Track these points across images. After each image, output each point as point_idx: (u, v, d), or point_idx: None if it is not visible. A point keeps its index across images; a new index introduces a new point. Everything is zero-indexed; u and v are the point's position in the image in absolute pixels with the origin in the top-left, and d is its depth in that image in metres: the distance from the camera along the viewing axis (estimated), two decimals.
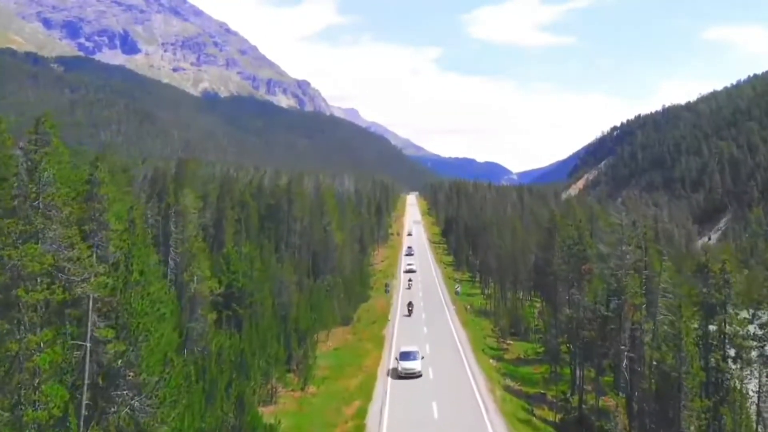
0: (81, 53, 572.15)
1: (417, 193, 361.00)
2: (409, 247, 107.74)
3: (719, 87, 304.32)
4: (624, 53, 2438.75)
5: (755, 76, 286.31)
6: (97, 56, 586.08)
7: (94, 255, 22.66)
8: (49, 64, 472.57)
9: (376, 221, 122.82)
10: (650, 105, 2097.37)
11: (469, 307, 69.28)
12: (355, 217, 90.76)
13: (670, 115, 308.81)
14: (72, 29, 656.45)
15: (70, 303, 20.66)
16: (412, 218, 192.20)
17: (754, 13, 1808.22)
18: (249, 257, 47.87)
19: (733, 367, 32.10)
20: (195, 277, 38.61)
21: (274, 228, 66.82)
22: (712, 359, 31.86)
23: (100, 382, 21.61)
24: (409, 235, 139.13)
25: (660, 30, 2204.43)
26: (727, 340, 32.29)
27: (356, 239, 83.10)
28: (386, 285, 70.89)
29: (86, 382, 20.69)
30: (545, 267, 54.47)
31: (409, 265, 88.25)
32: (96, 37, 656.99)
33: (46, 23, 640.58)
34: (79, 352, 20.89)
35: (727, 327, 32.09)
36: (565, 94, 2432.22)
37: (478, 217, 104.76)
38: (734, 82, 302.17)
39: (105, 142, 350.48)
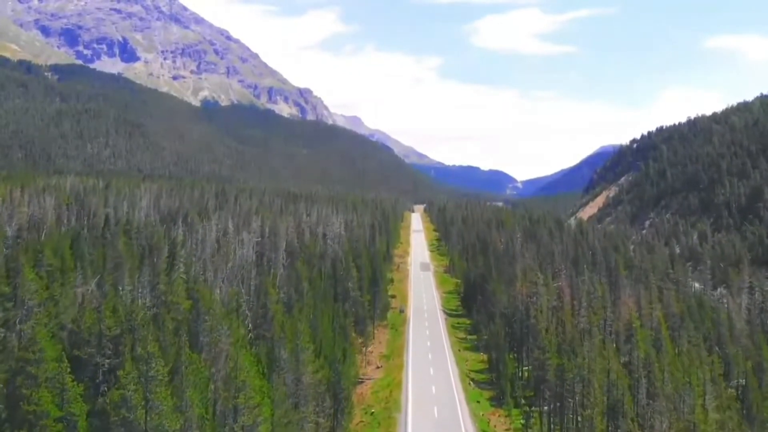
0: (78, 61, 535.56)
1: (423, 208, 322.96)
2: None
3: (723, 96, 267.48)
4: (625, 62, 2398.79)
5: None
6: (96, 64, 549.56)
7: None
8: (42, 73, 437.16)
9: (371, 297, 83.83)
10: (651, 112, 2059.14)
11: None
12: (323, 365, 47.14)
13: (697, 127, 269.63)
14: (70, 37, 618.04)
15: None
16: (419, 259, 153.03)
17: (757, 23, 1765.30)
18: None
19: None
20: None
21: None
22: None
23: None
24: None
25: (661, 39, 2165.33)
26: None
27: (325, 411, 41.63)
28: None
29: None
30: None
31: None
32: (95, 45, 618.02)
33: (44, 31, 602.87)
34: None
35: None
36: (567, 102, 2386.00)
37: (526, 312, 65.45)
38: (765, 92, 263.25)
39: (91, 155, 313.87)
